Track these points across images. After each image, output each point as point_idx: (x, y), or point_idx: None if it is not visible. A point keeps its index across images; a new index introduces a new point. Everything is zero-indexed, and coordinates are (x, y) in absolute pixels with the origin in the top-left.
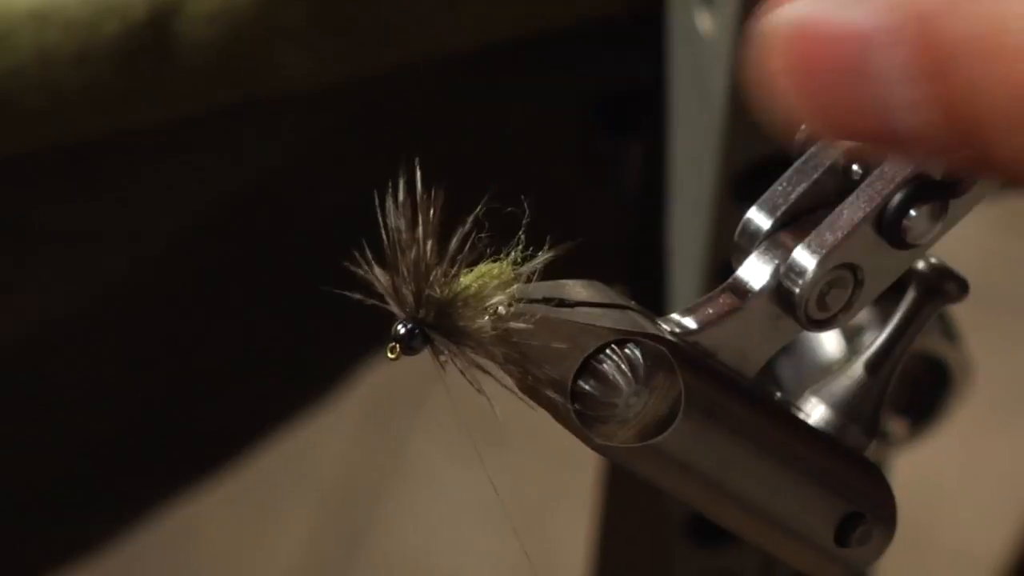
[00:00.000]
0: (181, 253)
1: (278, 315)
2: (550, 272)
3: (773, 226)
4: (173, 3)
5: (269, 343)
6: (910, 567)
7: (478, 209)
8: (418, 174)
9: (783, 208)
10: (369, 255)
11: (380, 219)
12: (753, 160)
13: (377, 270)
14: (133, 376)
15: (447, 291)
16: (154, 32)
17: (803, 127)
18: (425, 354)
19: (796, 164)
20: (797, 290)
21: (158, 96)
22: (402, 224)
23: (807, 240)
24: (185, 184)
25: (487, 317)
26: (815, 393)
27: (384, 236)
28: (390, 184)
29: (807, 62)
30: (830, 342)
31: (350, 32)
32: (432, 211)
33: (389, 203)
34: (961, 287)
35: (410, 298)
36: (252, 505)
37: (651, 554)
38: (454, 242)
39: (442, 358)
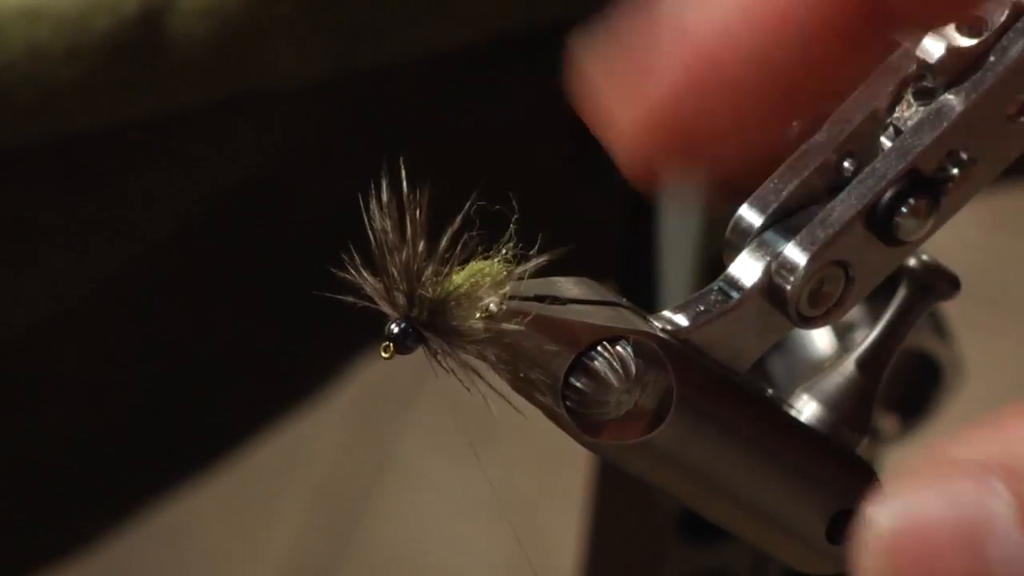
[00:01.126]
0: (172, 249)
1: (270, 311)
2: (541, 269)
3: (764, 223)
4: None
5: (261, 339)
6: None
7: (467, 207)
8: (403, 173)
9: (774, 205)
10: (361, 253)
11: (366, 220)
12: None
13: (369, 270)
14: (125, 373)
15: (439, 290)
16: (145, 28)
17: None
18: (416, 352)
19: (787, 161)
20: (788, 287)
21: (149, 92)
22: (388, 224)
23: (798, 237)
24: (177, 180)
25: (479, 316)
26: (807, 390)
27: (372, 236)
28: (375, 183)
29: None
30: (821, 339)
31: (341, 28)
32: (420, 209)
33: (375, 203)
34: (952, 284)
35: (402, 298)
36: (243, 502)
37: (642, 551)
38: (444, 241)
39: (435, 357)
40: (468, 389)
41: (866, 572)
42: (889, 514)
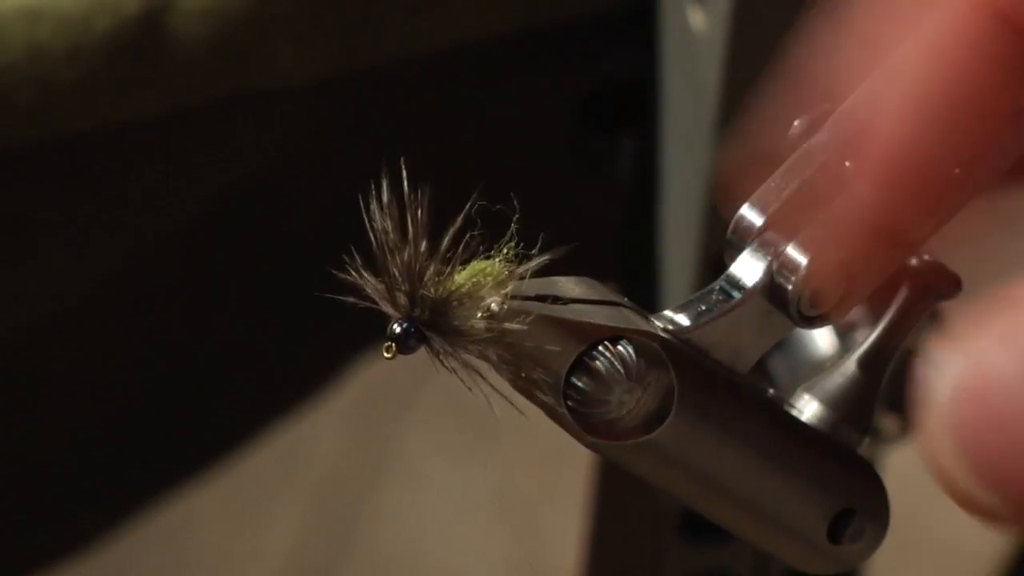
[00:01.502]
0: (173, 249)
1: (270, 310)
2: (542, 269)
3: (766, 223)
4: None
5: (261, 339)
6: (902, 563)
7: (468, 206)
8: (403, 173)
9: (776, 205)
10: (362, 253)
11: (367, 220)
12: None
13: (370, 270)
14: (124, 373)
15: (441, 290)
16: (146, 28)
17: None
18: (417, 352)
19: (788, 161)
20: (790, 287)
21: (150, 91)
22: (389, 224)
23: (800, 237)
24: (177, 179)
25: (481, 315)
26: (808, 390)
27: (373, 236)
28: (375, 184)
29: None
30: (823, 339)
31: (342, 27)
32: (421, 209)
33: (375, 203)
34: (953, 284)
35: (404, 298)
36: (243, 502)
37: (643, 551)
38: (446, 240)
39: (436, 357)
40: (470, 389)
41: (931, 422)
42: (956, 363)
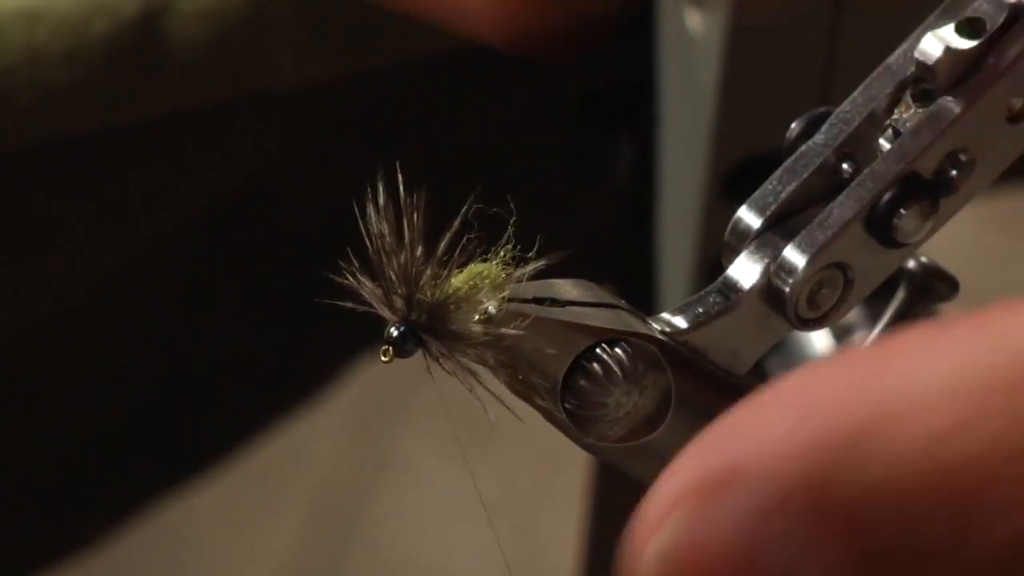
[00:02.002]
0: (172, 251)
1: (268, 313)
2: (540, 272)
3: (763, 225)
4: (163, 2)
5: (260, 341)
6: None
7: (465, 208)
8: (400, 176)
9: (773, 207)
10: (360, 256)
11: (362, 224)
12: (743, 159)
13: (367, 273)
14: (124, 374)
15: (438, 293)
16: (144, 30)
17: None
18: (415, 355)
19: (786, 163)
20: (787, 289)
21: (148, 94)
22: (386, 227)
23: (797, 239)
24: (176, 182)
25: (478, 318)
26: None
27: (369, 240)
28: (372, 187)
29: None
30: (820, 341)
31: (340, 29)
32: (417, 212)
33: (372, 207)
34: (951, 286)
35: (401, 301)
36: (243, 503)
37: None
38: (443, 243)
39: (434, 360)
40: (470, 390)
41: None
42: (662, 544)
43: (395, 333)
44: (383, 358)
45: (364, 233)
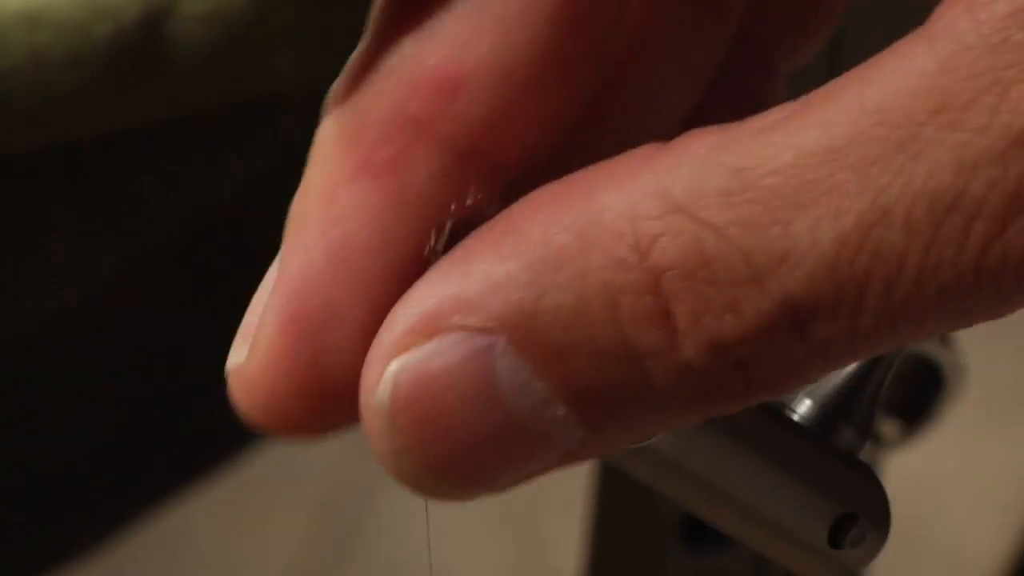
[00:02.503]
0: (173, 254)
1: None
2: None
3: None
4: (166, 5)
5: None
6: (902, 568)
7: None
8: None
9: None
10: None
11: None
12: None
13: None
14: (122, 378)
15: None
16: (147, 33)
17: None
18: None
19: None
20: None
21: (151, 97)
22: None
23: None
24: (178, 185)
25: None
26: (808, 394)
27: None
28: None
29: (443, 405)
30: None
31: (343, 32)
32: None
33: None
34: None
35: None
36: (244, 507)
37: (643, 555)
38: (443, 240)
39: None
40: None
41: (375, 433)
42: (399, 371)
43: None
44: None
45: None
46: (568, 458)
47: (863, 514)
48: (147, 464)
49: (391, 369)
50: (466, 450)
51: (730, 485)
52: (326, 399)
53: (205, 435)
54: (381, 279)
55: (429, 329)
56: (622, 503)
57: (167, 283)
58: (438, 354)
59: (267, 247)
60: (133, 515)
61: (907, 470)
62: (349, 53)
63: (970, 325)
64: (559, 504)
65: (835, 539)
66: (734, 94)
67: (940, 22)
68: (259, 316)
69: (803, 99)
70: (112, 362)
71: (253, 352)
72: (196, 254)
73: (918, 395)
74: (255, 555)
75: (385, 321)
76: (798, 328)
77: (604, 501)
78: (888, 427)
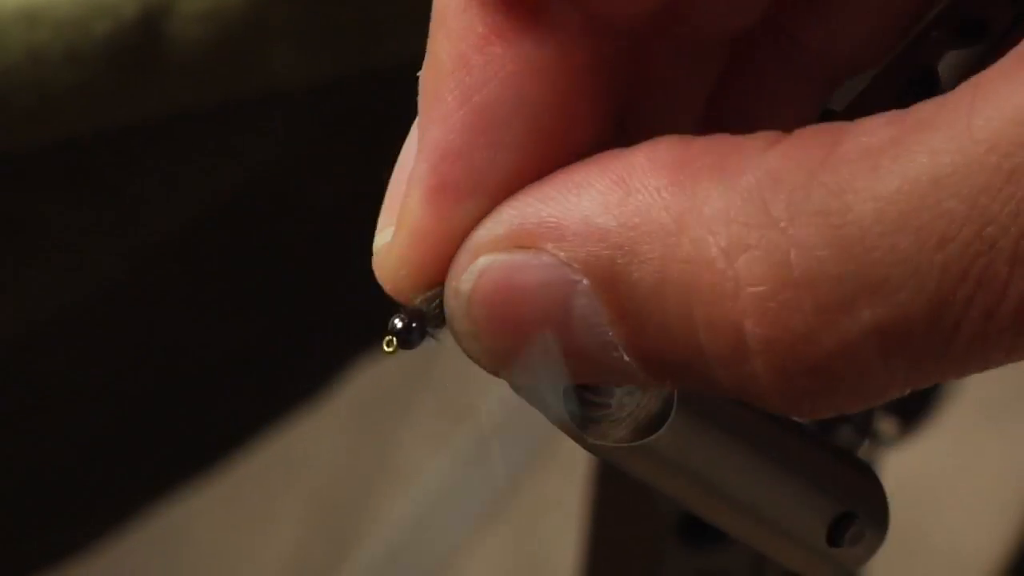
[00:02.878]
0: (172, 252)
1: (269, 313)
2: None
3: None
4: (164, 2)
5: (259, 342)
6: (900, 566)
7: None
8: None
9: None
10: (361, 254)
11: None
12: None
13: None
14: (122, 376)
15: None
16: (145, 31)
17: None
18: (414, 355)
19: None
20: None
21: (149, 95)
22: None
23: None
24: (177, 183)
25: None
26: None
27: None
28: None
29: (518, 311)
30: None
31: (342, 30)
32: None
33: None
34: None
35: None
36: (243, 505)
37: (641, 554)
38: None
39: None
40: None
41: (452, 313)
42: (490, 268)
43: (399, 324)
44: (387, 349)
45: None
46: (626, 381)
47: (862, 512)
48: (145, 462)
49: (480, 262)
50: (529, 357)
51: (729, 483)
52: None
53: (203, 433)
54: (522, 146)
55: (524, 241)
56: (620, 501)
57: (166, 281)
58: (525, 267)
59: (266, 244)
60: (131, 513)
61: (906, 468)
62: (346, 50)
63: None
64: (557, 502)
65: (834, 537)
66: (783, 98)
67: None
68: (401, 192)
69: (911, 115)
70: (110, 360)
71: (400, 229)
72: (195, 251)
73: (916, 393)
74: (252, 553)
75: (491, 214)
76: (883, 355)
77: (602, 499)
78: (886, 425)
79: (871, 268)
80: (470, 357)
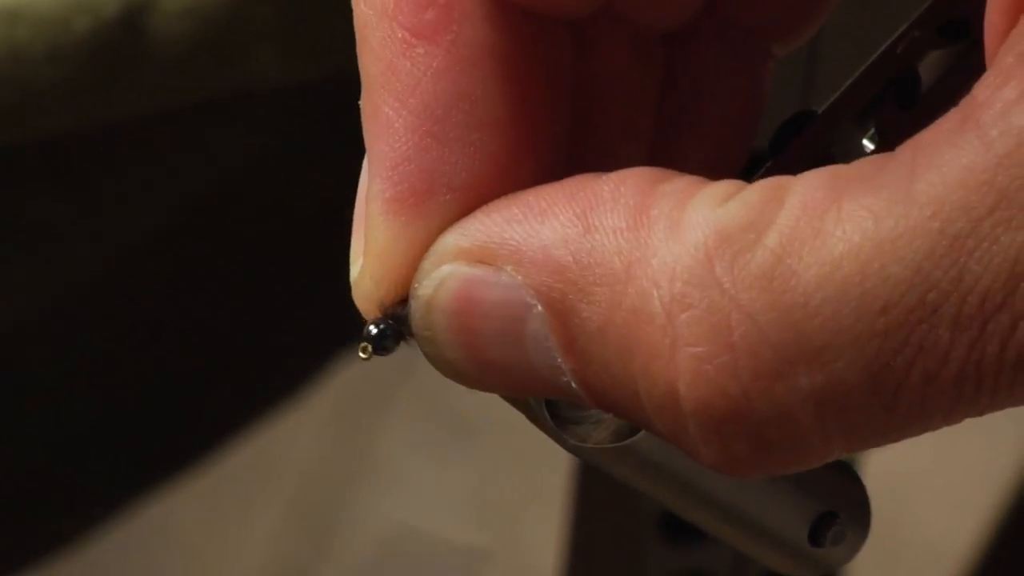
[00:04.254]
0: (153, 250)
1: (250, 311)
2: None
3: None
4: (145, 0)
5: (239, 339)
6: (881, 563)
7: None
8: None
9: None
10: (342, 254)
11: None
12: None
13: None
14: (102, 374)
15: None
16: (126, 29)
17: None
18: (395, 353)
19: (768, 166)
20: None
21: (130, 93)
22: None
23: None
24: (158, 180)
25: None
26: None
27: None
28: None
29: (474, 323)
30: None
31: (324, 28)
32: None
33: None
34: None
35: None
36: (223, 502)
37: (623, 552)
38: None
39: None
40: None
41: (412, 315)
42: (456, 277)
43: (374, 330)
44: (362, 355)
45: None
46: (577, 402)
47: (843, 512)
48: (125, 460)
49: (442, 270)
50: (481, 366)
51: (710, 484)
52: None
53: (183, 431)
54: (470, 140)
55: (486, 258)
56: (602, 499)
57: (146, 278)
58: (484, 282)
59: (246, 242)
60: (112, 510)
61: (886, 467)
62: (328, 49)
63: (1000, 409)
64: (539, 499)
65: (816, 537)
66: (728, 79)
67: (991, 109)
68: (363, 219)
69: (852, 173)
70: (90, 358)
71: (368, 250)
72: (175, 249)
73: None
74: (233, 551)
75: (458, 223)
76: (820, 422)
77: (584, 497)
78: None
79: (812, 335)
80: (428, 360)
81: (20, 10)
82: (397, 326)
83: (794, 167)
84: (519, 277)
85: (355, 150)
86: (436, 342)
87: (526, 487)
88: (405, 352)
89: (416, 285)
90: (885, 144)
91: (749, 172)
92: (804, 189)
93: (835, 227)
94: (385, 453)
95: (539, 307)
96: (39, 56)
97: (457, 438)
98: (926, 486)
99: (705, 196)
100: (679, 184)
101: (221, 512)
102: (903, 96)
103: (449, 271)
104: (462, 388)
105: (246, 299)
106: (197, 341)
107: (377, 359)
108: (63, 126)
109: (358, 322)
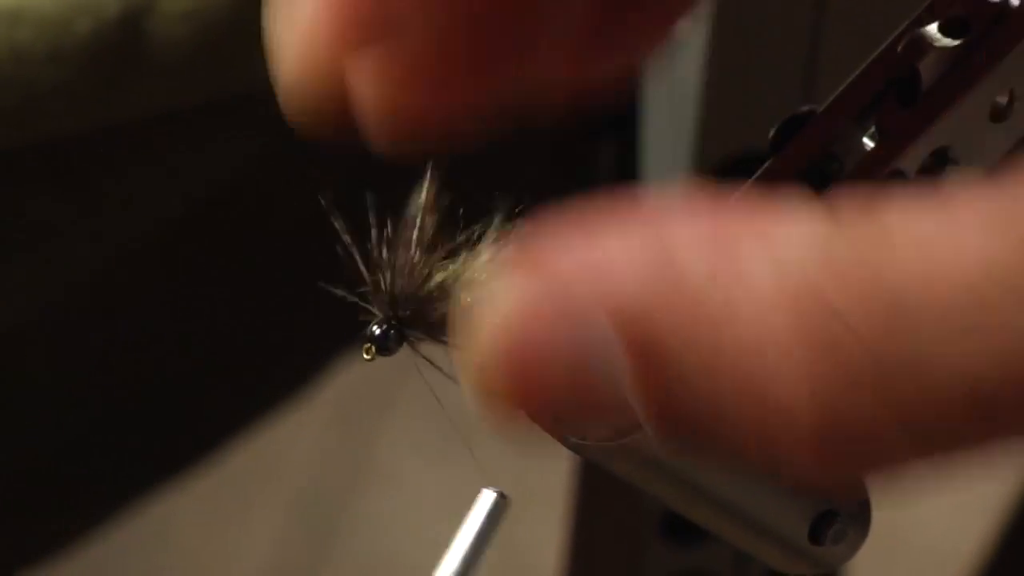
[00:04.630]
0: (154, 252)
1: (250, 313)
2: None
3: None
4: (146, 1)
5: (240, 341)
6: (882, 565)
7: (447, 205)
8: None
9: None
10: (342, 256)
11: (333, 223)
12: (727, 158)
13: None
14: (103, 375)
15: (422, 288)
16: (127, 30)
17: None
18: (397, 354)
19: (768, 163)
20: None
21: (131, 94)
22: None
23: None
24: (159, 182)
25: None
26: None
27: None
28: (358, 187)
29: (530, 369)
30: None
31: None
32: (400, 211)
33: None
34: None
35: (384, 297)
36: (223, 504)
37: (624, 551)
38: (427, 239)
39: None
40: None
41: (475, 359)
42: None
43: (377, 331)
44: (365, 356)
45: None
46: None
47: (844, 510)
48: (125, 461)
49: (506, 301)
50: (542, 405)
51: (710, 482)
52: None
53: (184, 432)
54: None
55: (559, 302)
56: (603, 499)
57: (147, 280)
58: (559, 325)
59: (247, 243)
60: (112, 510)
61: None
62: None
63: None
64: (540, 499)
65: (816, 535)
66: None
67: None
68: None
69: (952, 197)
70: (91, 359)
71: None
72: (176, 251)
73: None
74: (233, 552)
75: (541, 240)
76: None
77: (584, 497)
78: None
79: (930, 360)
80: (476, 397)
81: (22, 12)
82: (400, 327)
83: (794, 166)
84: (602, 327)
85: (355, 150)
86: (490, 401)
87: (526, 487)
88: (406, 353)
89: (480, 311)
90: (885, 143)
91: (749, 172)
92: (905, 218)
93: (944, 253)
94: (385, 454)
95: (625, 358)
96: (40, 57)
97: (457, 438)
98: (924, 486)
99: (796, 222)
100: (754, 210)
101: (221, 513)
102: (904, 94)
103: (513, 298)
104: (462, 389)
105: (246, 299)
106: (197, 341)
107: (378, 360)
108: (64, 127)
109: (361, 321)
